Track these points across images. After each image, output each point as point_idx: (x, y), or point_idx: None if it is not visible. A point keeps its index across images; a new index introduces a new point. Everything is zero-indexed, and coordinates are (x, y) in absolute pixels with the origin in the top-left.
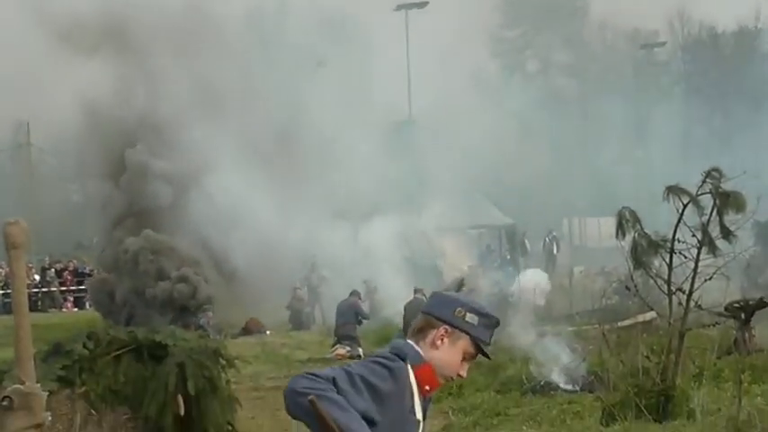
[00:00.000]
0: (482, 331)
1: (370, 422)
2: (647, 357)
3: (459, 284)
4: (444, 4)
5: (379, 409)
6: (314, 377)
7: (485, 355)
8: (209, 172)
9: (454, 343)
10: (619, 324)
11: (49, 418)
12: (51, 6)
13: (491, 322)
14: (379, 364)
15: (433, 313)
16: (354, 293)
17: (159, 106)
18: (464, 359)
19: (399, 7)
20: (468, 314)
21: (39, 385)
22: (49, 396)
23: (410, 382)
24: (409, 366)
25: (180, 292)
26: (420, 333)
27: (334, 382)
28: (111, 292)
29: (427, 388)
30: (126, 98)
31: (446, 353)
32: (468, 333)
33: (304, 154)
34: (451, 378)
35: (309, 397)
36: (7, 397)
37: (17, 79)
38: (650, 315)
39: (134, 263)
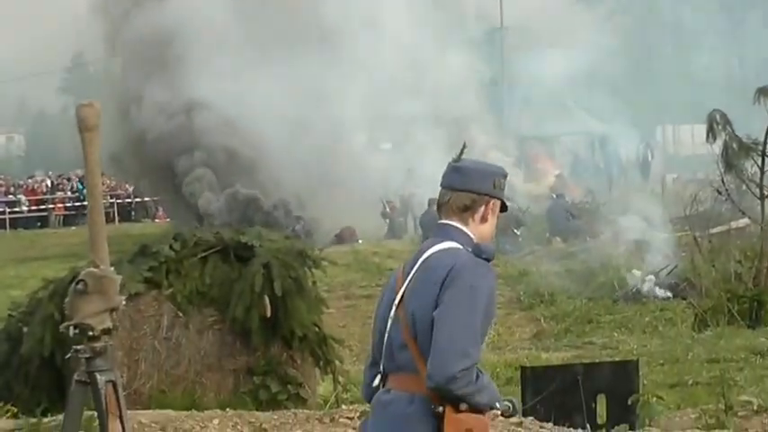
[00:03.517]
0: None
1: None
2: (740, 263)
3: (462, 150)
4: None
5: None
6: (468, 371)
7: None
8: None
9: (495, 211)
10: (711, 231)
11: (123, 302)
12: None
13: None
14: (488, 281)
15: (476, 190)
16: (433, 201)
17: None
18: None
19: None
20: (502, 181)
21: (113, 269)
22: (135, 297)
23: None
24: None
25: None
26: (468, 211)
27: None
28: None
29: None
30: None
31: (491, 223)
32: (502, 199)
33: (392, 62)
34: None
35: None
36: (81, 280)
37: None
38: (743, 222)
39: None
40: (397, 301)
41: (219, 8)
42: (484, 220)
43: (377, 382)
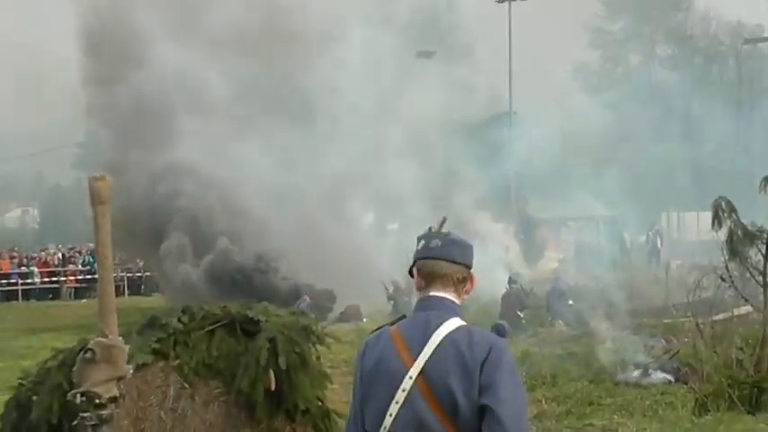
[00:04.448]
0: None
1: None
2: (741, 349)
3: (442, 222)
4: None
5: None
6: None
7: None
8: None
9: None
10: (714, 317)
11: (131, 371)
12: None
13: None
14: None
15: (469, 263)
16: None
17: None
18: None
19: None
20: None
21: (121, 339)
22: (143, 367)
23: None
24: None
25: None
26: (462, 283)
27: None
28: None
29: None
30: None
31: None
32: None
33: (396, 142)
34: None
35: None
36: (90, 349)
37: None
38: (746, 309)
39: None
40: (414, 374)
41: (201, 75)
42: (467, 291)
43: None
